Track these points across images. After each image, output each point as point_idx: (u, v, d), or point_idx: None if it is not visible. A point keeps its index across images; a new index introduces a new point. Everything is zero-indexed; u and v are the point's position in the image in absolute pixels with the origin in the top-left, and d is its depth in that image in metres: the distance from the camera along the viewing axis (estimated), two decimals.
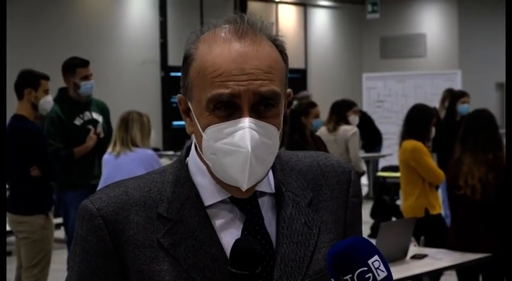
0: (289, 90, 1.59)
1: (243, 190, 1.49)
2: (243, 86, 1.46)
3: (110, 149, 5.86)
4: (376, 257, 1.40)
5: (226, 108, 1.47)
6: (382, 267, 1.40)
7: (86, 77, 6.51)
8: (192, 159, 1.58)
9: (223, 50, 1.49)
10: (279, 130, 1.51)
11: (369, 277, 1.39)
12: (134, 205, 1.53)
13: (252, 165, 1.46)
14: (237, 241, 1.46)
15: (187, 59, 1.53)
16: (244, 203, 1.54)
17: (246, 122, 1.46)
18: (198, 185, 1.55)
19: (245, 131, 1.46)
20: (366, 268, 1.39)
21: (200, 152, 1.53)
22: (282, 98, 1.52)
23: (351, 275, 1.39)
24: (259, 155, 1.47)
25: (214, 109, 1.48)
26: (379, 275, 1.39)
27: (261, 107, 1.48)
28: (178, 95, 1.57)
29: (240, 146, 1.45)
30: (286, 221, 1.55)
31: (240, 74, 1.47)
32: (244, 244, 1.45)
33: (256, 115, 1.48)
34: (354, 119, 8.88)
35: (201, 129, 1.50)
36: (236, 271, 1.44)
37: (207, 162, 1.52)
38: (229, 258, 1.45)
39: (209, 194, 1.54)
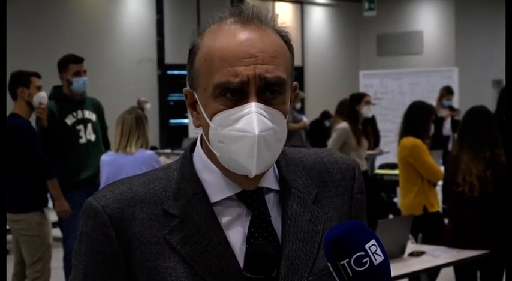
0: (295, 83, 1.58)
1: (251, 176, 1.48)
2: (250, 71, 1.46)
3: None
4: (373, 241, 1.38)
5: (233, 95, 1.47)
6: (379, 251, 1.38)
7: (78, 73, 6.48)
8: (198, 155, 1.57)
9: (228, 36, 1.49)
10: (285, 117, 1.50)
11: (366, 261, 1.37)
12: (139, 201, 1.52)
13: (260, 149, 1.45)
14: (251, 244, 1.46)
15: (193, 49, 1.53)
16: (251, 200, 1.53)
17: (253, 106, 1.46)
18: (204, 182, 1.54)
19: (252, 115, 1.45)
20: (363, 253, 1.37)
21: (208, 143, 1.52)
22: (288, 86, 1.52)
23: (347, 259, 1.37)
24: (267, 139, 1.46)
25: (220, 95, 1.48)
26: (376, 260, 1.37)
27: (267, 94, 1.48)
28: (185, 88, 1.57)
29: (247, 131, 1.45)
30: (292, 218, 1.54)
31: (247, 58, 1.47)
32: (259, 248, 1.44)
33: (263, 101, 1.47)
34: (367, 110, 8.35)
35: (207, 119, 1.50)
36: (251, 275, 1.43)
37: (214, 152, 1.51)
38: (244, 262, 1.44)
39: (215, 190, 1.53)
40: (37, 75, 6.13)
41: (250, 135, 1.45)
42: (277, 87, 1.49)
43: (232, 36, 1.49)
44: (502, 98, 7.35)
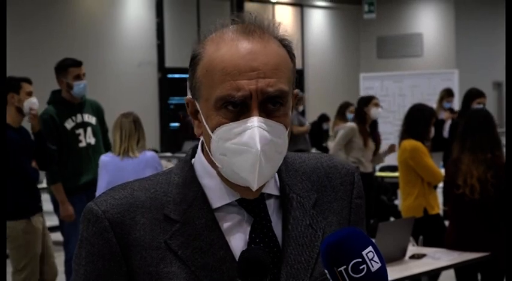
0: (296, 90, 1.58)
1: (253, 190, 1.48)
2: (252, 85, 1.46)
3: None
4: (370, 248, 1.39)
5: (235, 107, 1.47)
6: (376, 258, 1.39)
7: (78, 77, 6.45)
8: (199, 161, 1.57)
9: (231, 47, 1.48)
10: (287, 129, 1.51)
11: (363, 268, 1.37)
12: (140, 206, 1.52)
13: (261, 164, 1.45)
14: (244, 251, 1.45)
15: (195, 58, 1.53)
16: (252, 206, 1.53)
17: (255, 121, 1.46)
18: (205, 187, 1.54)
19: (254, 130, 1.45)
20: (360, 259, 1.37)
21: (209, 152, 1.52)
22: (289, 96, 1.52)
23: (345, 266, 1.37)
24: (268, 154, 1.46)
25: (222, 108, 1.47)
26: (373, 267, 1.38)
27: (269, 106, 1.48)
28: (186, 97, 1.57)
29: (249, 146, 1.45)
30: (292, 224, 1.55)
31: (249, 71, 1.46)
32: (251, 255, 1.43)
33: (265, 114, 1.47)
34: (376, 111, 8.36)
35: (209, 130, 1.50)
36: None
37: (216, 163, 1.51)
38: (237, 269, 1.44)
39: (216, 196, 1.54)
40: (27, 81, 6.02)
41: (252, 150, 1.45)
42: (279, 100, 1.49)
43: (235, 48, 1.48)
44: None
